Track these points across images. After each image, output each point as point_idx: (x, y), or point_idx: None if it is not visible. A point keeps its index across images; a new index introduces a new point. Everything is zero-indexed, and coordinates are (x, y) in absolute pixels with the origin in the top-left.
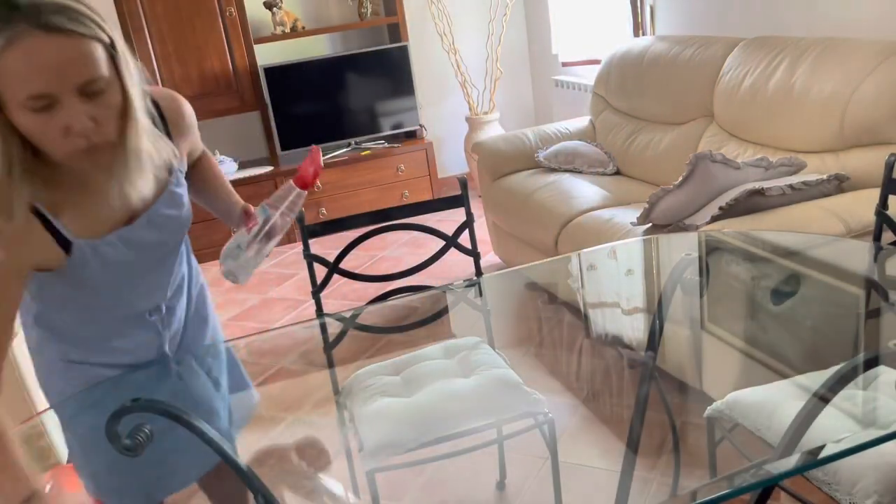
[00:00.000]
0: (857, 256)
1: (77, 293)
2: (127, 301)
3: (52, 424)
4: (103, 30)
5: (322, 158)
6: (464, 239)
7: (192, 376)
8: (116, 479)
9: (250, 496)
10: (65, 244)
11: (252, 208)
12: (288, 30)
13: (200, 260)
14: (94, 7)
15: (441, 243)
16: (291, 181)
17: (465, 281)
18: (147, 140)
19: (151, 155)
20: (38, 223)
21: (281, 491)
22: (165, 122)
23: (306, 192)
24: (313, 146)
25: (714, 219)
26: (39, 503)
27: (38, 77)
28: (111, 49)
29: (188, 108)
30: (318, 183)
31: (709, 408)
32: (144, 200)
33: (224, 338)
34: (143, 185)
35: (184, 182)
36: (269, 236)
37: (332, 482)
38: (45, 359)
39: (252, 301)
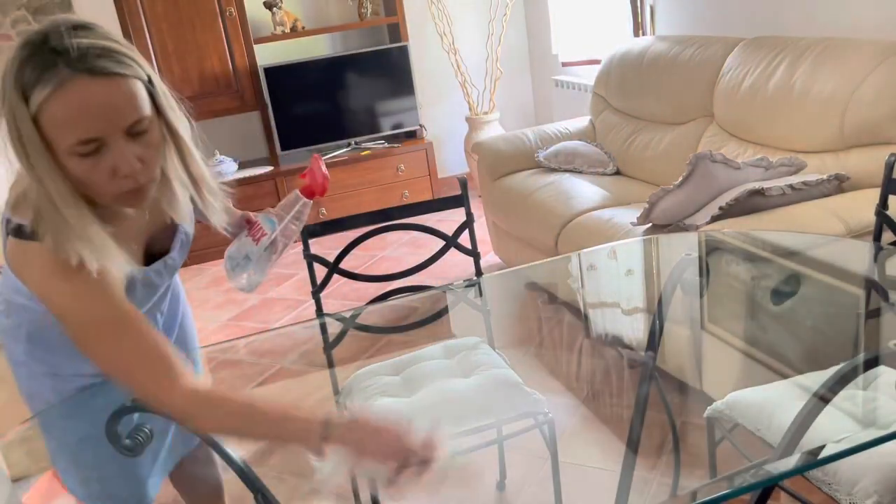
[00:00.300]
0: (857, 256)
1: None
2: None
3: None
4: (142, 67)
5: (324, 163)
6: (464, 239)
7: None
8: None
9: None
10: None
11: (252, 216)
12: (288, 30)
13: (200, 260)
14: (130, 45)
15: (441, 243)
16: (297, 191)
17: (465, 281)
18: (194, 165)
19: (199, 177)
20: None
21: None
22: None
23: (312, 201)
24: (314, 154)
25: (714, 219)
26: (336, 430)
27: (87, 121)
28: (150, 86)
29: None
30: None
31: (709, 408)
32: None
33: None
34: (178, 211)
35: (189, 237)
36: (275, 246)
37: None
38: (30, 370)
39: (252, 301)
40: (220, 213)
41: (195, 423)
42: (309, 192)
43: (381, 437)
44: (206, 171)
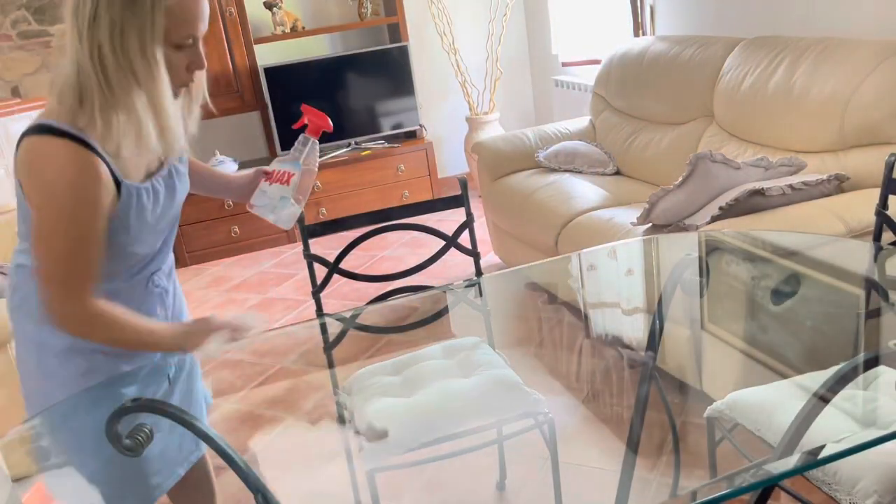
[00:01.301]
0: (857, 256)
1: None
2: (144, 259)
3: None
4: None
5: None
6: (464, 239)
7: (182, 379)
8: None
9: None
10: (116, 185)
11: (267, 168)
12: (288, 30)
13: (199, 260)
14: None
15: (441, 243)
16: (304, 133)
17: (465, 281)
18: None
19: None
20: (100, 160)
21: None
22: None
23: (318, 140)
24: (303, 105)
25: (714, 219)
26: (189, 338)
27: (198, 22)
28: None
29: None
30: (318, 183)
31: (709, 408)
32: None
33: None
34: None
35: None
36: (304, 182)
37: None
38: (46, 350)
39: (252, 301)
40: (196, 123)
41: (84, 336)
42: (315, 131)
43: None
44: (205, 88)
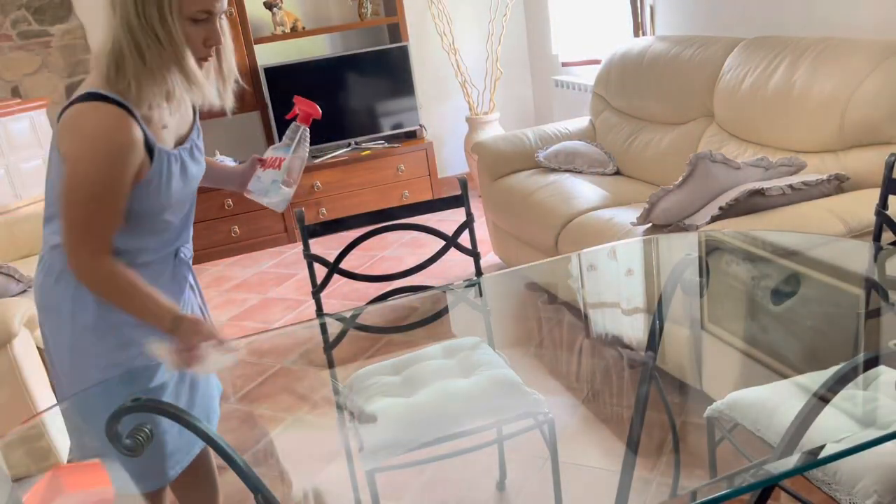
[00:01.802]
0: (857, 256)
1: (138, 223)
2: (175, 230)
3: (52, 425)
4: None
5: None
6: (464, 239)
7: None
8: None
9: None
10: (149, 150)
11: (261, 156)
12: (288, 30)
13: (200, 260)
14: None
15: (441, 243)
16: (295, 122)
17: (465, 281)
18: (231, 57)
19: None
20: (135, 124)
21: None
22: None
23: (309, 127)
24: (295, 97)
25: (714, 219)
26: (183, 323)
27: None
28: None
29: None
30: (318, 182)
31: (709, 408)
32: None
33: None
34: (214, 96)
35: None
36: (293, 167)
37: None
38: (81, 326)
39: (252, 301)
40: (231, 99)
41: (90, 287)
42: (305, 119)
43: (200, 329)
44: (234, 64)
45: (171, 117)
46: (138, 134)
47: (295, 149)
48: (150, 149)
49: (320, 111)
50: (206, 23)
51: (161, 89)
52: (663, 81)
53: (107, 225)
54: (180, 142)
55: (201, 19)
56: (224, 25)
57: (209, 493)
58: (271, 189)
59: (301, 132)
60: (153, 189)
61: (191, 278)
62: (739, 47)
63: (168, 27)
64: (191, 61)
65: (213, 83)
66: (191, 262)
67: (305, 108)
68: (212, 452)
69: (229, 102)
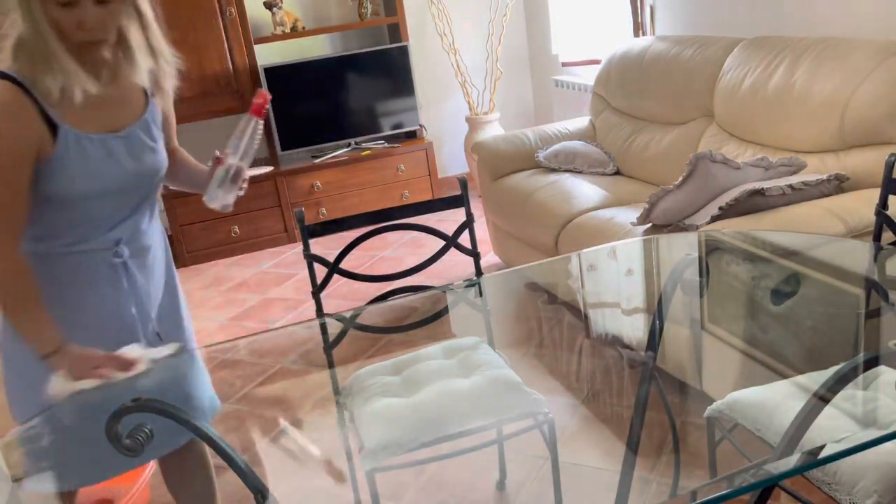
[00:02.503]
0: (857, 256)
1: (55, 208)
2: (100, 222)
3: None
4: None
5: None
6: (464, 239)
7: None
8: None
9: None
10: (53, 130)
11: (219, 152)
12: (288, 30)
13: (199, 260)
14: None
15: (441, 243)
16: (247, 114)
17: (465, 281)
18: (154, 38)
19: (159, 51)
20: (29, 100)
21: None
22: (156, 78)
23: (262, 120)
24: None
25: (714, 219)
26: (65, 357)
27: None
28: None
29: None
30: (318, 182)
31: (709, 408)
32: (133, 107)
33: (196, 346)
34: (137, 76)
35: (158, 129)
36: (242, 164)
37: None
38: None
39: (252, 301)
40: (173, 79)
41: None
42: (257, 111)
43: (86, 359)
44: (164, 44)
45: (103, 101)
46: (29, 108)
47: (245, 144)
48: (53, 127)
49: (267, 95)
50: (75, 6)
51: (50, 71)
52: (663, 81)
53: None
54: (116, 129)
55: (67, 3)
56: (142, 6)
57: (204, 487)
58: (212, 186)
59: (252, 125)
60: (64, 172)
61: (117, 288)
62: (739, 47)
63: (30, 10)
64: (55, 46)
65: (144, 64)
66: (134, 268)
67: (256, 99)
68: (205, 448)
69: (167, 82)
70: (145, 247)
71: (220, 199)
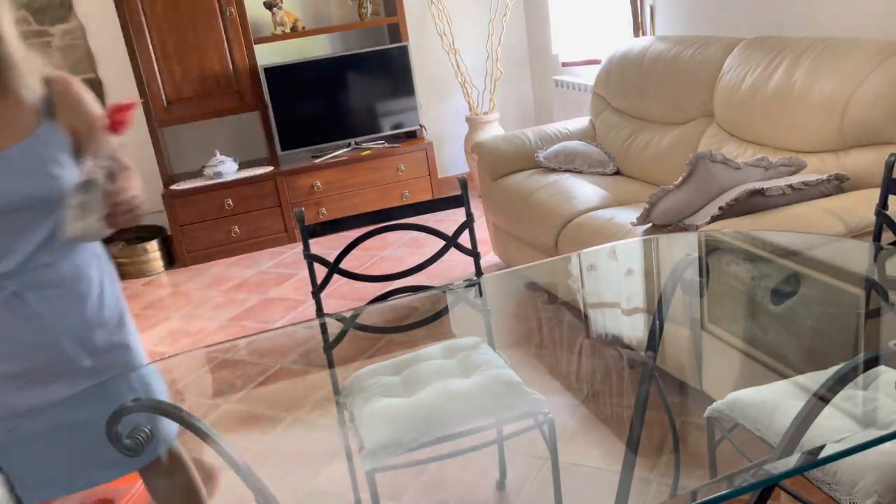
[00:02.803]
0: (857, 256)
1: None
2: None
3: None
4: None
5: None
6: (464, 239)
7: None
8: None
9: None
10: None
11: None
12: (288, 30)
13: (199, 260)
14: None
15: (441, 243)
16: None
17: (465, 281)
18: (19, 50)
19: (28, 65)
20: None
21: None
22: (52, 99)
23: (118, 134)
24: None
25: (714, 219)
26: None
27: None
28: None
29: (76, 87)
30: (318, 182)
31: (709, 408)
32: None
33: (146, 361)
34: (24, 91)
35: (60, 152)
36: (89, 186)
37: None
38: None
39: (252, 301)
40: (33, 88)
41: None
42: (112, 126)
43: None
44: (15, 50)
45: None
46: None
47: (92, 164)
48: None
49: (121, 120)
50: None
51: None
52: (663, 81)
53: None
54: None
55: None
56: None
57: (186, 492)
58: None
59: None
60: None
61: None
62: (739, 47)
63: None
64: None
65: (17, 84)
66: (30, 297)
67: (113, 114)
68: (179, 445)
69: (24, 89)
70: (45, 280)
71: (77, 229)
